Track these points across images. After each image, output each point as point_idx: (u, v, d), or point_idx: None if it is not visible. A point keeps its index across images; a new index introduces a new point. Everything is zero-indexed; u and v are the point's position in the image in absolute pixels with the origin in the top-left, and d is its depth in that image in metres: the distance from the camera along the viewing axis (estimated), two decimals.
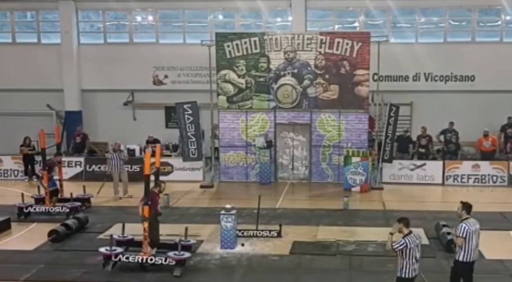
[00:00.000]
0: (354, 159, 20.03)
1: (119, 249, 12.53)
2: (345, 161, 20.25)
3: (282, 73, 21.07)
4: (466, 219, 10.09)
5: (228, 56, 21.14)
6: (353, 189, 19.91)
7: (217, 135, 22.02)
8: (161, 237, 14.11)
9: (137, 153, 22.61)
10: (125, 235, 13.30)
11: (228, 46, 21.09)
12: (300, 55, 20.91)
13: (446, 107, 23.51)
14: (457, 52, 24.03)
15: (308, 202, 19.01)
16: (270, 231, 14.62)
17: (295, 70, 20.99)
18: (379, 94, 21.56)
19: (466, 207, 10.27)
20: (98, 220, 16.45)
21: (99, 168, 21.86)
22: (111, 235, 13.03)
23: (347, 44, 20.64)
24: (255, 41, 21.03)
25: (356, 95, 20.80)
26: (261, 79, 21.17)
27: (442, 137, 22.26)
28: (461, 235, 9.90)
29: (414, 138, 22.42)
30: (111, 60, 25.26)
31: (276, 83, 21.09)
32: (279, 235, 14.58)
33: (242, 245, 13.97)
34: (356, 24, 24.81)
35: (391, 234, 9.65)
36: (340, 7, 24.65)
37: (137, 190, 19.62)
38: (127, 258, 12.36)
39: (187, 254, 12.41)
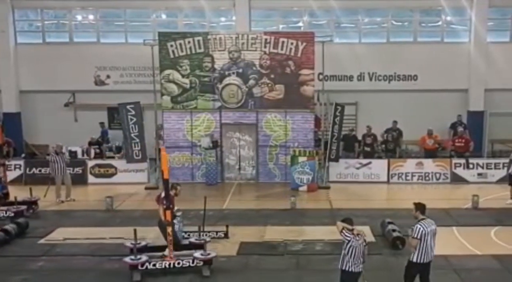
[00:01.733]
0: (301, 159, 20.00)
1: (144, 257, 12.10)
2: (292, 160, 20.22)
3: (227, 73, 20.91)
4: (422, 219, 10.05)
5: (172, 56, 20.84)
6: (300, 189, 19.89)
7: (161, 136, 21.63)
8: (105, 241, 13.84)
9: (79, 155, 22.01)
10: (138, 241, 12.68)
11: (172, 45, 20.79)
12: (244, 55, 20.79)
13: (390, 106, 23.84)
14: (399, 52, 24.41)
15: (255, 202, 18.86)
16: (217, 232, 14.46)
17: (240, 70, 20.86)
18: (325, 94, 21.62)
19: (420, 207, 10.24)
20: (40, 224, 15.91)
21: (40, 170, 21.15)
22: (134, 243, 12.43)
23: (292, 44, 20.64)
24: (199, 41, 20.79)
25: (302, 95, 20.81)
26: (206, 79, 20.94)
27: (385, 136, 22.46)
28: (415, 236, 9.88)
29: (360, 137, 22.56)
30: (50, 60, 24.55)
31: (221, 83, 20.91)
32: (226, 236, 14.45)
33: None
34: (301, 24, 24.89)
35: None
36: (284, 7, 24.66)
37: (80, 193, 19.25)
38: (154, 265, 12.02)
39: (213, 253, 12.26)
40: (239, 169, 21.53)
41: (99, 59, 24.57)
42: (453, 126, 23.54)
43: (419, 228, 9.88)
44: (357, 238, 9.69)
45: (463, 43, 24.54)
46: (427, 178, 21.11)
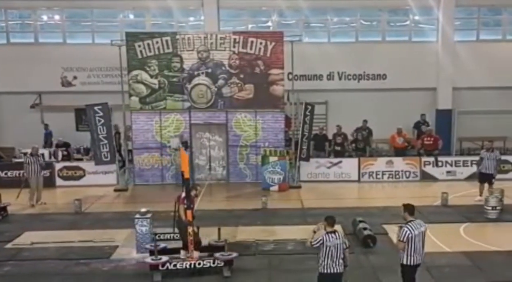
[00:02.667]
0: (272, 158, 19.97)
1: (164, 258, 11.93)
2: (263, 160, 20.17)
3: (195, 73, 20.79)
4: (410, 221, 9.83)
5: (140, 56, 20.64)
6: (271, 188, 19.85)
7: (130, 137, 21.37)
8: (74, 244, 13.68)
9: (47, 157, 21.55)
10: (157, 243, 12.52)
11: (139, 46, 20.59)
12: (213, 55, 20.71)
13: (360, 105, 23.96)
14: (368, 52, 24.54)
15: (226, 203, 18.73)
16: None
17: (209, 70, 20.77)
18: (295, 94, 21.62)
19: (408, 208, 10.00)
20: (7, 228, 15.55)
21: (6, 174, 20.74)
22: (154, 245, 12.27)
23: (261, 43, 20.61)
24: (167, 41, 20.62)
25: (272, 95, 20.80)
26: (175, 79, 20.80)
27: (355, 135, 22.50)
28: (401, 239, 9.66)
29: (330, 136, 22.58)
30: (15, 61, 24.05)
31: (190, 83, 20.79)
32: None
33: None
34: (270, 23, 24.85)
35: (314, 231, 9.62)
36: (253, 6, 24.60)
37: (48, 196, 18.89)
38: (174, 265, 11.85)
39: (234, 254, 12.07)
40: (210, 169, 21.40)
41: (66, 60, 24.18)
42: (417, 125, 23.69)
43: (406, 231, 9.64)
44: (331, 237, 9.48)
45: (431, 43, 24.79)
46: (397, 176, 21.24)
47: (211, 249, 12.64)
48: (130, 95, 20.78)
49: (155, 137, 20.99)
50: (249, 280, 11.88)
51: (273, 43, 20.56)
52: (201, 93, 20.82)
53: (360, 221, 14.54)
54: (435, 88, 24.81)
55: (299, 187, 20.25)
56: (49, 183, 20.36)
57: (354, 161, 21.41)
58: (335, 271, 9.50)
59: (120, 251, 13.54)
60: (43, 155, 21.25)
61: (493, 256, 13.01)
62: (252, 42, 20.62)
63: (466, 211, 16.71)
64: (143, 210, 13.42)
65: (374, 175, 21.14)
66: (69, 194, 19.06)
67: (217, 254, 12.08)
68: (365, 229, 13.90)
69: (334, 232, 9.56)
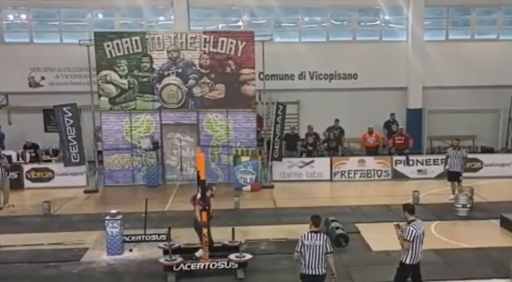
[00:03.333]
0: (244, 158, 19.93)
1: (179, 259, 11.96)
2: (235, 160, 20.09)
3: (166, 73, 20.63)
4: (412, 221, 9.90)
5: (109, 56, 20.41)
6: (243, 188, 19.81)
7: (100, 138, 21.08)
8: (43, 247, 13.56)
9: (14, 159, 21.18)
10: (172, 242, 12.56)
11: (108, 46, 20.35)
12: (184, 55, 20.57)
13: (332, 104, 23.93)
14: (339, 51, 24.53)
15: None
16: (159, 235, 14.09)
17: (180, 70, 20.62)
18: (266, 93, 21.57)
19: (408, 208, 10.08)
20: None
21: None
22: (169, 245, 12.29)
23: (232, 43, 20.53)
24: (136, 41, 20.42)
25: (243, 94, 20.73)
26: (145, 79, 20.61)
27: (327, 134, 22.53)
28: (408, 238, 9.73)
29: (302, 136, 22.59)
30: None
31: (160, 83, 20.62)
32: (168, 238, 13.96)
33: (130, 250, 13.46)
34: (240, 23, 24.72)
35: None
36: (224, 6, 24.45)
37: (16, 198, 18.53)
38: (188, 266, 11.83)
39: (248, 256, 12.06)
40: (181, 170, 21.27)
41: (33, 60, 23.77)
42: (387, 124, 23.82)
43: (412, 230, 9.72)
44: (310, 236, 9.41)
45: (401, 42, 24.91)
46: (369, 175, 21.32)
47: (225, 250, 12.59)
48: (100, 96, 20.54)
49: (126, 138, 20.77)
50: (220, 281, 11.82)
51: (244, 43, 20.49)
52: (172, 94, 20.66)
53: (333, 220, 14.56)
54: (405, 88, 24.95)
55: (272, 187, 20.21)
56: (17, 185, 20.01)
57: (326, 160, 21.43)
58: (313, 272, 9.41)
59: (90, 253, 13.41)
60: (10, 156, 20.88)
61: (463, 253, 13.17)
62: (222, 42, 20.52)
63: (437, 209, 16.89)
64: (114, 211, 13.29)
65: (346, 174, 21.19)
66: (38, 196, 18.75)
67: (231, 256, 12.03)
68: (337, 228, 13.92)
69: (317, 232, 9.48)
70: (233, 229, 13.07)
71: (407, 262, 9.87)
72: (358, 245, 13.71)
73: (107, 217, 13.17)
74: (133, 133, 20.76)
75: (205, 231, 11.92)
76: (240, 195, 18.30)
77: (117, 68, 20.45)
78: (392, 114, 23.93)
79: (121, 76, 20.51)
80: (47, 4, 24.16)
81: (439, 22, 25.67)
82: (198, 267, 11.88)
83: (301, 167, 21.20)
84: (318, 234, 9.46)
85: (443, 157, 19.02)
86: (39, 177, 20.66)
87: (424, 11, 24.68)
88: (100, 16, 25.10)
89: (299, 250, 9.43)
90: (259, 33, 21.13)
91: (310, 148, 22.08)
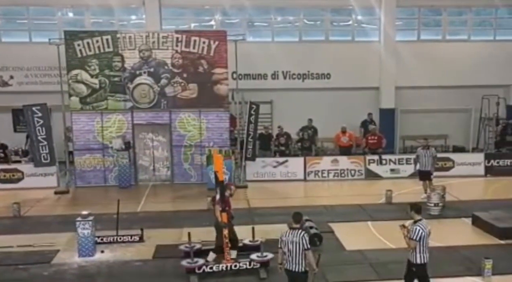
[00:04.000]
0: None
1: (200, 261, 11.91)
2: (208, 160, 19.85)
3: (137, 72, 20.45)
4: (419, 220, 9.99)
5: (79, 56, 20.17)
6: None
7: (70, 138, 20.79)
8: (12, 249, 13.42)
9: None
10: (192, 244, 12.48)
11: (79, 45, 20.11)
12: (156, 54, 20.41)
13: (305, 104, 23.92)
14: (312, 51, 24.50)
15: (171, 204, 18.44)
16: (131, 236, 14.02)
17: (152, 69, 20.46)
18: (239, 93, 21.51)
19: (414, 207, 10.16)
20: None
21: None
22: (191, 246, 12.28)
23: (204, 42, 20.43)
24: (107, 40, 20.21)
25: (216, 94, 20.64)
26: (116, 79, 20.40)
27: (301, 134, 22.52)
28: (415, 238, 9.80)
29: (275, 136, 22.53)
30: None
31: (132, 82, 20.43)
32: (141, 239, 14.02)
33: (102, 252, 13.32)
34: (213, 22, 24.58)
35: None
36: (196, 5, 24.29)
37: None
38: (211, 268, 11.80)
39: (270, 255, 11.84)
40: (154, 170, 21.09)
41: (1, 59, 23.27)
42: (364, 124, 23.92)
43: (419, 230, 9.81)
44: (288, 233, 9.52)
45: (374, 42, 24.98)
46: (342, 175, 21.38)
47: (246, 249, 12.60)
48: (70, 96, 20.27)
49: (97, 138, 20.54)
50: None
51: (216, 42, 20.40)
52: (144, 93, 20.48)
53: (307, 220, 14.45)
54: (378, 88, 25.06)
55: (245, 187, 20.10)
56: None
57: (300, 160, 21.43)
58: (292, 268, 9.52)
59: (62, 255, 13.22)
60: None
61: (436, 251, 13.03)
62: (195, 41, 20.40)
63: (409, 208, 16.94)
64: (85, 212, 13.13)
65: (320, 173, 21.21)
66: (7, 197, 18.38)
67: (252, 256, 12.00)
68: (311, 227, 13.87)
69: (295, 229, 9.55)
70: (253, 229, 13.16)
71: (419, 262, 9.97)
72: (332, 244, 13.72)
73: (78, 218, 13.00)
74: (104, 134, 20.52)
75: (225, 232, 11.91)
76: (213, 195, 18.08)
77: (88, 68, 20.21)
78: (370, 114, 24.02)
79: (92, 76, 20.27)
80: (15, 2, 23.75)
81: (411, 22, 25.83)
82: (220, 268, 11.84)
83: (275, 166, 21.18)
84: (296, 231, 9.51)
85: (415, 156, 19.13)
86: (8, 178, 20.32)
87: (396, 11, 24.80)
88: (71, 14, 24.69)
89: (280, 246, 9.66)
90: (231, 33, 21.06)
91: (283, 148, 22.03)
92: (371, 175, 21.43)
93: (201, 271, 11.70)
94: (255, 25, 24.95)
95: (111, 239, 13.85)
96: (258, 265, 11.89)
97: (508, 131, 24.09)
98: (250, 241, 12.90)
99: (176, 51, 20.40)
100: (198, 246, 12.67)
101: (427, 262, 10.01)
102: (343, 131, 22.33)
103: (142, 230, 14.21)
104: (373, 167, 21.52)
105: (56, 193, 19.58)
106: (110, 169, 20.64)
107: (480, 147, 24.88)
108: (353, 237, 14.14)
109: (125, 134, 20.52)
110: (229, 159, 19.84)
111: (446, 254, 12.84)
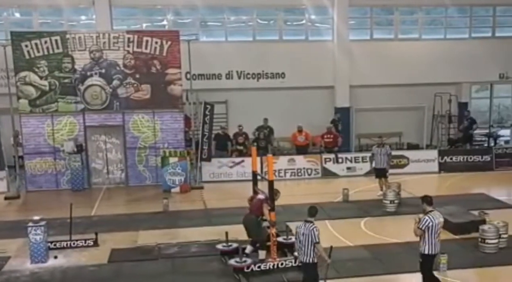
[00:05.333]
0: (172, 159, 19.58)
1: (249, 260, 11.77)
2: (163, 161, 19.73)
3: (88, 73, 20.06)
4: (430, 211, 10.21)
5: (27, 57, 19.68)
6: (172, 190, 19.48)
7: (20, 143, 20.24)
8: None
9: None
10: (229, 244, 12.57)
11: (27, 46, 19.62)
12: (107, 55, 20.07)
13: (261, 104, 23.87)
14: (266, 50, 24.46)
15: (126, 207, 18.10)
16: (85, 240, 13.73)
17: (103, 70, 20.11)
18: (193, 93, 21.29)
19: (426, 200, 10.38)
20: None
21: None
22: (242, 247, 12.09)
23: (156, 43, 20.21)
24: (56, 41, 19.78)
25: (170, 95, 20.43)
26: (66, 80, 19.97)
27: (257, 134, 22.41)
28: (421, 227, 10.07)
29: (232, 135, 22.35)
30: None
31: (83, 84, 20.05)
32: (95, 243, 13.72)
33: (55, 257, 12.98)
34: (165, 22, 24.29)
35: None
36: (147, 5, 23.94)
37: None
38: (259, 267, 11.67)
39: None
40: (107, 173, 20.70)
41: None
42: (334, 121, 23.98)
43: (427, 220, 10.06)
44: (300, 225, 9.92)
45: (327, 41, 25.04)
46: (299, 174, 21.43)
47: (280, 247, 12.57)
48: (19, 98, 19.76)
49: (48, 141, 20.05)
50: None
51: (169, 42, 20.19)
52: (95, 95, 20.11)
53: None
54: (332, 87, 25.13)
55: (202, 188, 19.99)
56: None
57: (257, 159, 21.25)
58: (302, 259, 9.95)
59: (13, 262, 12.85)
60: None
61: (393, 248, 13.36)
62: (147, 41, 20.15)
63: (366, 205, 17.16)
64: (37, 217, 12.78)
65: (276, 173, 21.01)
66: None
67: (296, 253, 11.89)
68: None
69: (309, 222, 9.89)
70: (287, 226, 13.22)
71: (426, 252, 10.20)
72: None
73: (30, 224, 12.64)
74: (55, 136, 20.05)
75: (273, 230, 11.99)
76: (169, 197, 17.97)
77: (36, 69, 19.74)
78: (337, 113, 24.18)
79: (41, 78, 19.82)
80: None
81: (363, 21, 26.04)
82: (268, 267, 11.75)
83: (231, 167, 21.08)
84: (308, 224, 9.85)
85: (371, 154, 19.27)
86: None
87: (349, 11, 24.94)
88: (17, 15, 24.07)
89: (296, 237, 10.14)
90: (184, 33, 20.91)
91: (240, 148, 21.89)
92: (327, 174, 21.52)
93: (249, 270, 11.59)
94: (208, 25, 24.78)
95: (65, 244, 13.52)
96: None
97: (474, 127, 24.39)
98: (284, 239, 12.89)
99: (128, 52, 20.10)
100: (235, 245, 12.54)
101: (435, 254, 10.29)
102: (300, 131, 22.34)
103: (96, 234, 13.94)
104: (330, 166, 21.61)
105: (6, 198, 19.03)
106: (62, 172, 20.20)
107: (434, 144, 25.24)
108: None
109: (77, 137, 20.11)
110: (184, 160, 19.69)
111: (403, 250, 12.89)
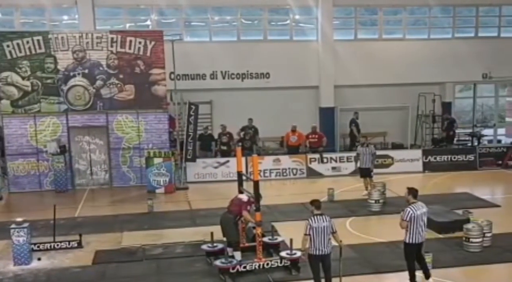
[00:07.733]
0: (156, 160, 19.51)
1: (234, 260, 11.80)
2: (147, 162, 19.66)
3: (71, 74, 19.98)
4: (413, 203, 10.66)
5: (9, 57, 19.59)
6: (157, 191, 19.41)
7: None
8: None
9: None
10: (215, 244, 12.60)
11: (8, 46, 19.53)
12: (90, 55, 19.99)
13: (245, 104, 23.77)
14: (251, 50, 24.38)
15: (110, 208, 17.95)
16: (69, 241, 13.62)
17: (86, 71, 20.04)
18: (178, 93, 21.20)
19: (412, 192, 10.79)
20: None
21: None
22: (213, 246, 12.45)
23: (140, 43, 20.16)
24: (38, 41, 19.68)
25: (154, 95, 20.38)
26: (49, 80, 19.88)
27: (242, 134, 22.35)
28: (405, 218, 10.53)
29: (217, 136, 22.30)
30: None
31: (66, 84, 19.96)
32: (79, 245, 13.62)
33: (39, 259, 12.86)
34: (149, 22, 24.11)
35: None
36: (131, 5, 23.69)
37: None
38: (244, 267, 11.67)
39: (299, 253, 11.66)
40: (91, 174, 20.58)
41: None
42: (353, 121, 24.03)
43: (409, 211, 10.52)
44: (317, 219, 10.10)
45: (312, 41, 24.99)
46: (284, 174, 21.45)
47: (266, 248, 12.66)
48: (0, 99, 19.67)
49: (30, 142, 19.93)
50: None
51: (153, 43, 20.14)
52: (78, 95, 20.01)
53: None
54: (317, 87, 25.09)
55: (186, 188, 19.95)
56: None
57: (241, 160, 21.19)
58: (321, 252, 10.14)
59: None
60: None
61: (378, 247, 13.40)
62: (130, 41, 20.09)
63: (351, 205, 17.18)
64: (19, 219, 12.67)
65: (261, 173, 21.01)
66: None
67: (282, 253, 12.08)
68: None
69: (321, 215, 10.19)
70: (272, 227, 13.35)
71: (407, 241, 10.66)
72: None
73: (13, 226, 12.53)
74: (38, 137, 19.93)
75: (259, 231, 11.97)
76: (153, 198, 17.88)
77: (18, 70, 19.65)
78: (356, 113, 24.20)
79: (23, 78, 19.71)
80: None
81: (348, 22, 26.03)
82: (254, 267, 11.77)
83: (216, 167, 21.04)
84: (323, 216, 10.19)
85: (355, 154, 19.30)
86: None
87: (333, 11, 24.91)
88: None
89: (307, 232, 10.11)
90: (168, 33, 20.83)
91: (225, 148, 21.82)
92: (312, 174, 21.53)
93: (235, 270, 11.53)
94: (192, 25, 24.65)
95: (48, 246, 13.41)
96: (289, 263, 11.90)
97: (455, 126, 24.59)
98: (269, 239, 12.91)
99: (111, 52, 20.03)
100: (220, 245, 12.47)
101: (414, 243, 10.59)
102: (293, 131, 22.23)
103: (80, 235, 13.84)
104: (315, 166, 21.63)
105: None
106: (46, 173, 20.07)
107: (418, 143, 25.33)
108: (297, 236, 13.96)
109: (60, 138, 19.98)
110: (168, 160, 19.60)
111: (389, 249, 12.95)
